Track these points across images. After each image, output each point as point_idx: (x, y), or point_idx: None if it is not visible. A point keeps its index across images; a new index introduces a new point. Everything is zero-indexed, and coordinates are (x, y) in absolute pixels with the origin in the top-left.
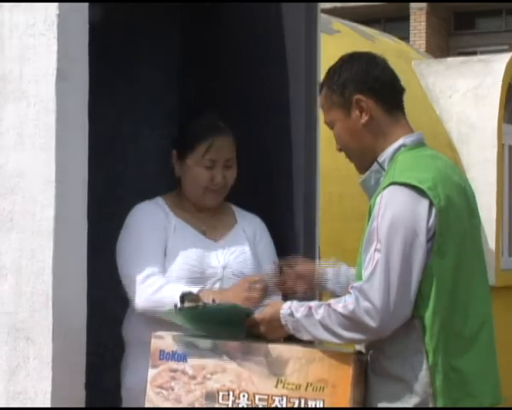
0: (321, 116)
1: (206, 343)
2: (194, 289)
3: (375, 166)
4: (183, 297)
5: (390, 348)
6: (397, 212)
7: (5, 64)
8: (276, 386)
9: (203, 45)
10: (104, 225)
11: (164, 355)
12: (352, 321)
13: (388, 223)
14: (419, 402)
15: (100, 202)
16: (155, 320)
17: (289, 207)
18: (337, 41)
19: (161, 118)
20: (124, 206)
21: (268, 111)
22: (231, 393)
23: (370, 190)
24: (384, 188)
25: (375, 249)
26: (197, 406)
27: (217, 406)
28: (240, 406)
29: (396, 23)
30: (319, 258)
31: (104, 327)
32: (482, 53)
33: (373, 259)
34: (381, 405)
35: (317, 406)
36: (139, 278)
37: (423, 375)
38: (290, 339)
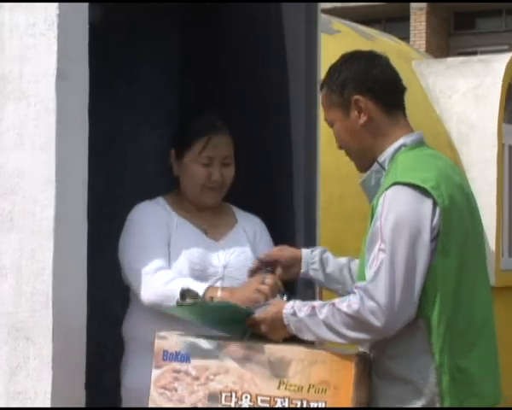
0: (321, 115)
1: (209, 344)
2: (203, 286)
3: (375, 167)
4: (184, 293)
5: (394, 349)
6: (401, 212)
7: (5, 64)
8: (279, 387)
9: (203, 45)
10: (104, 225)
11: (167, 356)
12: (356, 321)
13: (392, 223)
14: (426, 403)
15: (100, 202)
16: (155, 320)
17: (289, 207)
18: (337, 41)
19: (161, 118)
20: (124, 206)
21: (268, 111)
22: (234, 394)
23: (371, 191)
24: (387, 188)
25: (379, 249)
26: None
27: (219, 406)
28: (242, 407)
29: (396, 23)
30: None
31: (104, 327)
32: (482, 53)
33: (377, 259)
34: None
35: (319, 407)
36: (148, 271)
37: (430, 376)
38: (290, 340)
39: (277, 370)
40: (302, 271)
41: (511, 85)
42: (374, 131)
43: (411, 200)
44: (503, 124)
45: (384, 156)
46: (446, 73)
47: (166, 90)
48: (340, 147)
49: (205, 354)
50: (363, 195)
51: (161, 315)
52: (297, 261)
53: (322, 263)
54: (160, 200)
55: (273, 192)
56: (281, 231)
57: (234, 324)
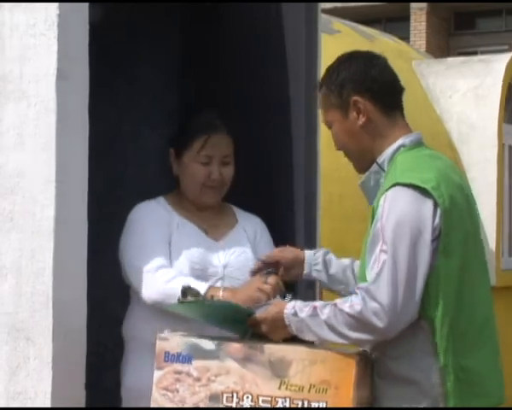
0: (321, 116)
1: (209, 345)
2: (204, 285)
3: (374, 167)
4: (185, 291)
5: (395, 350)
6: (402, 212)
7: (5, 64)
8: (280, 388)
9: (203, 45)
10: (104, 225)
11: (169, 357)
12: (359, 322)
13: (393, 224)
14: (430, 403)
15: (100, 202)
16: (155, 319)
17: (290, 208)
18: (337, 41)
19: (161, 118)
20: (124, 206)
21: (268, 111)
22: (235, 395)
23: (370, 192)
24: (387, 189)
25: (381, 250)
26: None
27: (221, 407)
28: (244, 407)
29: (396, 23)
30: None
31: (104, 327)
32: (482, 53)
33: (378, 260)
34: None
35: (320, 407)
36: (150, 269)
37: (434, 376)
38: (291, 340)
39: (278, 370)
40: (305, 272)
41: (511, 85)
42: (372, 132)
43: (412, 200)
44: (503, 124)
45: (383, 157)
46: (446, 73)
47: (166, 90)
48: (339, 148)
49: (206, 355)
50: (363, 195)
51: (161, 315)
52: (298, 263)
53: (326, 264)
54: (161, 200)
55: (273, 192)
56: (281, 231)
57: (235, 323)
